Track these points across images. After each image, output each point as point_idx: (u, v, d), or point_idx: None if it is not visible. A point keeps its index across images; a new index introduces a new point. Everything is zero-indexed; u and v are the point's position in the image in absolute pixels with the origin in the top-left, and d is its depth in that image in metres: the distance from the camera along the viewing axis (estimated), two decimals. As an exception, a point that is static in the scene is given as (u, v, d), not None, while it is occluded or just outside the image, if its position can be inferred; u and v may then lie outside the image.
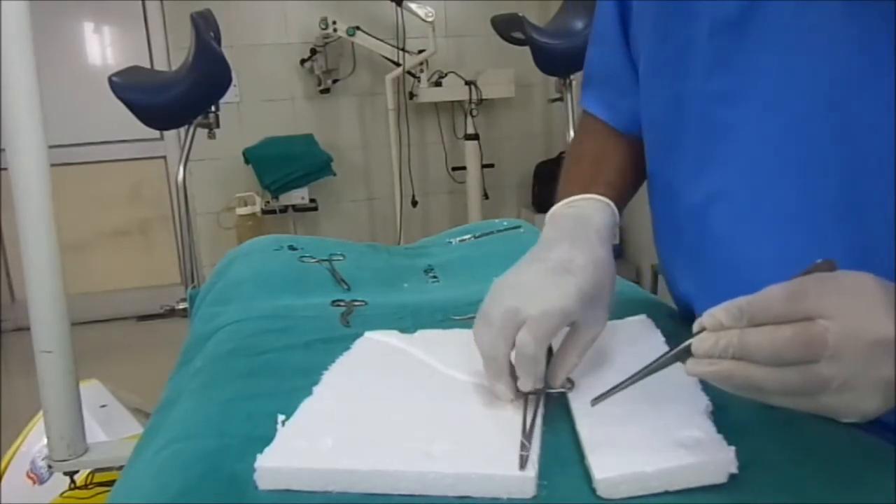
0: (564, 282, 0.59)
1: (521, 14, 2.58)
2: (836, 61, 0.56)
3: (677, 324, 0.77)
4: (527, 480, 0.48)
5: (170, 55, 3.48)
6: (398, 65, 3.45)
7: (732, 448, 0.49)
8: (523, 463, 0.49)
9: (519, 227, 1.30)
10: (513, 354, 0.57)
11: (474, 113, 3.52)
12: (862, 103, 0.55)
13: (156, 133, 3.41)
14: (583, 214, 0.69)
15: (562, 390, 0.60)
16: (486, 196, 3.62)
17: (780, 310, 0.44)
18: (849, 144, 0.56)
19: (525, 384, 0.56)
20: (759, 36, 0.60)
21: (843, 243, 0.58)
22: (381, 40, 3.43)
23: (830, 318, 0.43)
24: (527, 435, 0.52)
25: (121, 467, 0.97)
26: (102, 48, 3.56)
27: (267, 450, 0.52)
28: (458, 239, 1.28)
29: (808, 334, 0.43)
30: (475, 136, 3.52)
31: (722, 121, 0.64)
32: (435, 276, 1.08)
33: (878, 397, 0.44)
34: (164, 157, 3.60)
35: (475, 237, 1.26)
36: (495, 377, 0.57)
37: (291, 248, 1.16)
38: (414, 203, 3.73)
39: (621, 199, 0.74)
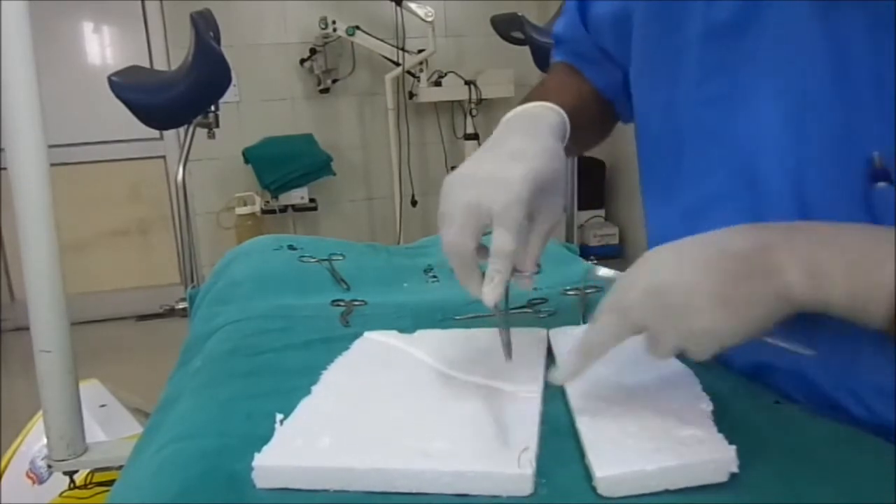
0: (520, 168, 0.59)
1: (520, 14, 2.58)
2: (826, 64, 0.56)
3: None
4: (524, 478, 0.48)
5: (169, 55, 3.48)
6: (398, 64, 3.45)
7: (733, 447, 0.49)
8: (521, 459, 0.49)
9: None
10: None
11: (474, 113, 3.52)
12: (850, 106, 0.55)
13: (155, 133, 3.42)
14: (533, 114, 0.69)
15: (529, 274, 0.62)
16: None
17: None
18: (842, 147, 0.56)
19: (492, 292, 0.57)
20: (754, 40, 0.60)
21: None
22: (381, 40, 3.43)
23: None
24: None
25: (120, 467, 0.97)
26: (102, 48, 3.56)
27: (265, 448, 0.52)
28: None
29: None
30: (475, 136, 3.52)
31: (715, 125, 0.64)
32: (435, 276, 1.08)
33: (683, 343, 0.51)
34: (164, 157, 3.60)
35: (475, 237, 1.26)
36: (467, 276, 0.59)
37: (291, 247, 1.16)
38: (414, 203, 3.73)
39: (575, 122, 0.73)
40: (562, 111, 0.70)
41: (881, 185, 0.52)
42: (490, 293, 0.57)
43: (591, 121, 0.81)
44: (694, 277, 0.50)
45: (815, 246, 0.50)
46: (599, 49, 0.83)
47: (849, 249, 0.49)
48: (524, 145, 0.62)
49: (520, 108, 0.71)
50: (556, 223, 0.63)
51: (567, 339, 0.71)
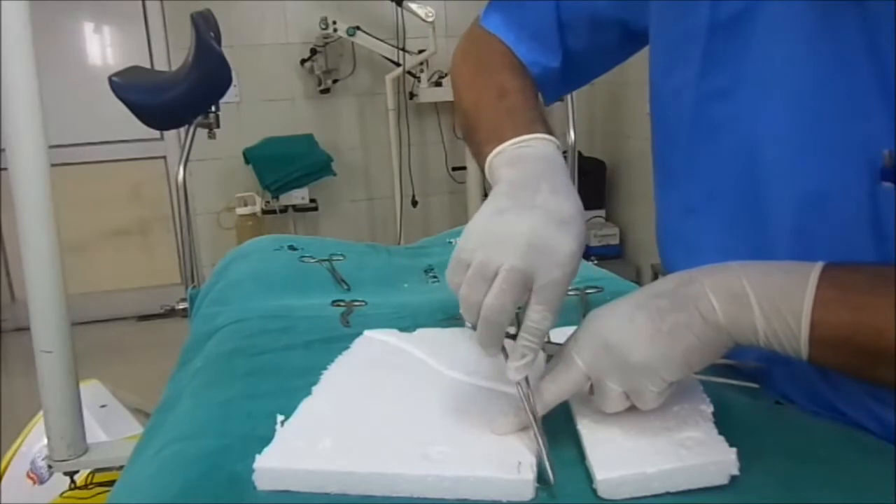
0: (572, 240, 0.56)
1: (521, 14, 2.58)
2: (827, 63, 0.55)
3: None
4: (525, 483, 0.48)
5: (170, 55, 3.48)
6: (398, 65, 3.45)
7: (734, 449, 0.49)
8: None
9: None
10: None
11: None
12: (853, 104, 0.54)
13: (156, 133, 3.41)
14: (545, 155, 0.64)
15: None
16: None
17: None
18: (846, 144, 0.56)
19: (522, 370, 0.54)
20: (757, 36, 0.60)
21: (833, 237, 0.57)
22: (381, 40, 3.43)
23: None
24: (538, 439, 0.51)
25: (121, 467, 0.97)
26: (102, 48, 3.56)
27: (266, 450, 0.52)
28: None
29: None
30: (475, 137, 3.51)
31: (717, 119, 0.64)
32: (435, 276, 1.08)
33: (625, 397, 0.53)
34: (164, 157, 3.60)
35: (475, 237, 1.26)
36: (491, 340, 0.55)
37: (291, 248, 1.16)
38: (414, 203, 3.73)
39: None
40: (559, 145, 0.66)
41: (886, 185, 0.52)
42: (520, 371, 0.54)
43: None
44: (629, 318, 0.53)
45: (735, 275, 0.52)
46: (558, 21, 0.78)
47: (769, 279, 0.51)
48: (565, 207, 0.57)
49: (532, 144, 0.64)
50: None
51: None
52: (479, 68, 0.80)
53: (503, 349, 0.56)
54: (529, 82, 0.77)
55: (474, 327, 0.56)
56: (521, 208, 0.57)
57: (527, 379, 0.55)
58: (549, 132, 0.67)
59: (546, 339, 0.59)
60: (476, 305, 0.55)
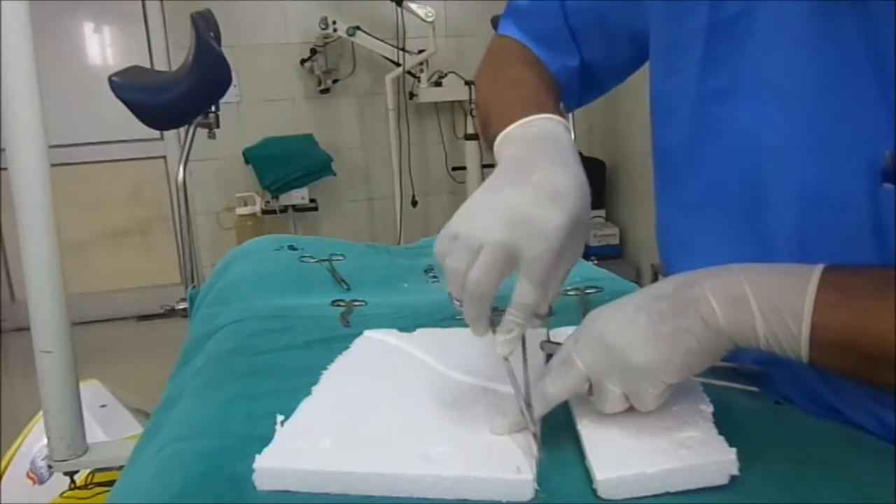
0: (560, 214, 0.55)
1: (521, 14, 2.58)
2: (828, 64, 0.55)
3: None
4: (525, 483, 0.48)
5: (170, 55, 3.48)
6: (398, 65, 3.45)
7: (734, 449, 0.49)
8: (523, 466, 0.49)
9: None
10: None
11: (474, 113, 3.51)
12: (853, 105, 0.54)
13: (156, 133, 3.41)
14: (555, 135, 0.64)
15: (544, 318, 0.59)
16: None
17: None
18: (846, 145, 0.56)
19: (508, 344, 0.55)
20: (757, 37, 0.60)
21: (833, 238, 0.57)
22: (381, 40, 3.43)
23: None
24: (526, 414, 0.52)
25: (121, 467, 0.97)
26: (102, 48, 3.56)
27: (266, 450, 0.52)
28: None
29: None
30: (475, 136, 3.51)
31: (717, 119, 0.64)
32: (435, 276, 1.08)
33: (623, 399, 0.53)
34: (164, 157, 3.60)
35: (475, 237, 1.26)
36: (477, 316, 0.56)
37: (291, 248, 1.16)
38: (414, 203, 3.73)
39: None
40: (567, 124, 0.67)
41: (887, 186, 0.52)
42: (506, 345, 0.55)
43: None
44: (629, 320, 0.53)
45: (736, 278, 0.52)
46: (568, 28, 0.80)
47: (770, 282, 0.51)
48: (561, 181, 0.57)
49: (537, 124, 0.65)
50: (575, 263, 0.60)
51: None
52: (496, 67, 0.82)
53: (492, 328, 0.57)
54: (546, 75, 0.79)
55: (461, 304, 0.56)
56: (513, 185, 0.57)
57: (524, 356, 0.56)
58: (559, 114, 0.67)
59: (547, 339, 0.60)
60: (461, 276, 0.55)
